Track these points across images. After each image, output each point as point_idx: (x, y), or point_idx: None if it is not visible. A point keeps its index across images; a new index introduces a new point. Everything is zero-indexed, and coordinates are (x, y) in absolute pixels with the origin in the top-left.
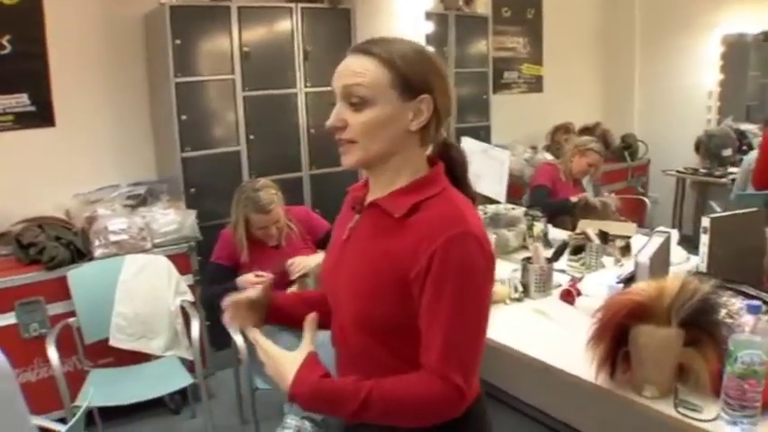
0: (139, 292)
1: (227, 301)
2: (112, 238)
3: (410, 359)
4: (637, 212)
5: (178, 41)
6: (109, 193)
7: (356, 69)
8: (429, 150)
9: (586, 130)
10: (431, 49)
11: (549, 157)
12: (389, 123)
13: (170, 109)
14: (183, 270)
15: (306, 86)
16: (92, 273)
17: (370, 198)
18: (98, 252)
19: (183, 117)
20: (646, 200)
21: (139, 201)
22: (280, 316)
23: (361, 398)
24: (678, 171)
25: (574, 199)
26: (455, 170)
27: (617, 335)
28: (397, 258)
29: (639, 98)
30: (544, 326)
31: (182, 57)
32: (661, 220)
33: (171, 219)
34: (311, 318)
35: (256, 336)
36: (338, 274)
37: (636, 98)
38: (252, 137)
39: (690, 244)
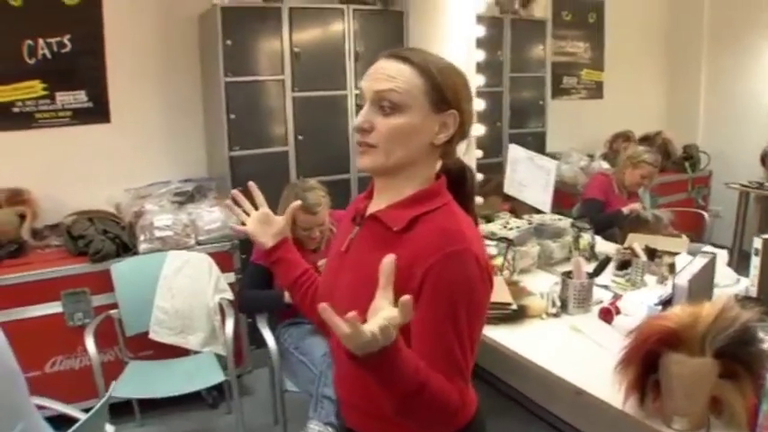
0: (180, 288)
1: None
2: (157, 233)
3: None
4: (695, 227)
5: (229, 42)
6: (159, 188)
7: (391, 74)
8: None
9: (647, 139)
10: (480, 55)
11: (605, 165)
12: (416, 133)
13: (220, 108)
14: (224, 268)
15: (356, 88)
16: (135, 267)
17: (371, 209)
18: (142, 247)
19: (233, 116)
20: (704, 214)
21: (187, 197)
22: (286, 258)
23: (420, 380)
24: (742, 184)
25: (625, 210)
26: (465, 189)
27: (647, 361)
28: (399, 272)
29: (704, 106)
30: (579, 344)
31: (232, 57)
32: (722, 236)
33: (216, 216)
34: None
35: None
36: (335, 285)
37: (701, 106)
38: (300, 137)
39: (749, 262)
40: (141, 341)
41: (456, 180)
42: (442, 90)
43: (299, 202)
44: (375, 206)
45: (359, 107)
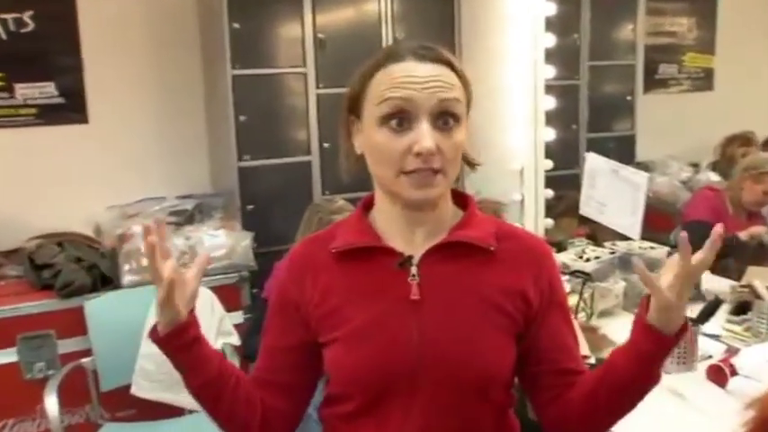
0: None
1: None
2: (146, 262)
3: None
4: None
5: (236, 25)
6: (150, 206)
7: (448, 81)
8: None
9: None
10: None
11: (715, 178)
12: (463, 147)
13: (226, 108)
14: (230, 306)
15: None
16: (116, 304)
17: (409, 243)
18: (127, 279)
19: (242, 118)
20: None
21: (186, 217)
22: (204, 339)
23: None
24: None
25: (743, 236)
26: None
27: None
28: (520, 293)
29: None
30: (679, 412)
31: (241, 45)
32: None
33: (221, 242)
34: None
35: None
36: (424, 343)
37: None
38: (326, 145)
39: None
40: (120, 398)
41: None
42: (470, 97)
43: (205, 255)
44: (409, 240)
45: (385, 119)
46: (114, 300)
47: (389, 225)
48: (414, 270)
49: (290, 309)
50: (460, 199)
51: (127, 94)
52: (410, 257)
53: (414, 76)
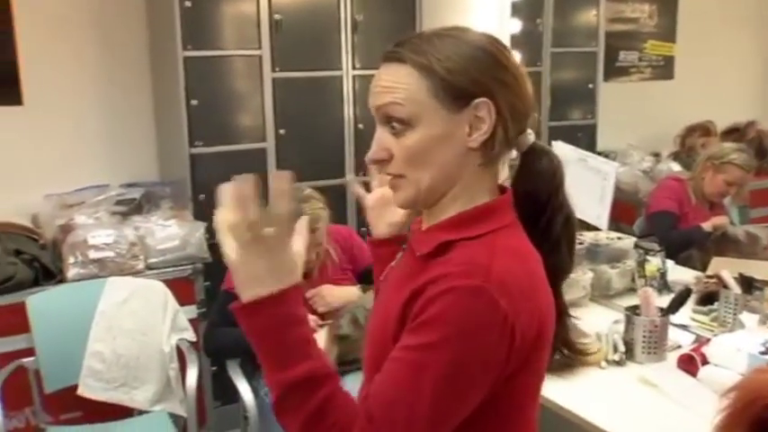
0: (124, 327)
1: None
2: (93, 254)
3: None
4: None
5: (188, 3)
6: (93, 195)
7: (386, 83)
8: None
9: (734, 133)
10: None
11: (676, 168)
12: (440, 145)
13: (177, 91)
14: (183, 300)
15: (354, 68)
16: (60, 299)
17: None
18: (72, 272)
19: (194, 102)
20: None
21: (133, 207)
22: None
23: (314, 371)
24: None
25: (707, 226)
26: (539, 194)
27: (755, 430)
28: (399, 308)
29: None
30: (652, 402)
31: (193, 24)
32: None
33: (173, 232)
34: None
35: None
36: (370, 325)
37: None
38: (282, 131)
39: None
40: (66, 399)
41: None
42: (454, 80)
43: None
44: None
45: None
46: (58, 294)
47: None
48: (399, 255)
49: None
50: (502, 192)
51: (66, 73)
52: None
53: (372, 83)
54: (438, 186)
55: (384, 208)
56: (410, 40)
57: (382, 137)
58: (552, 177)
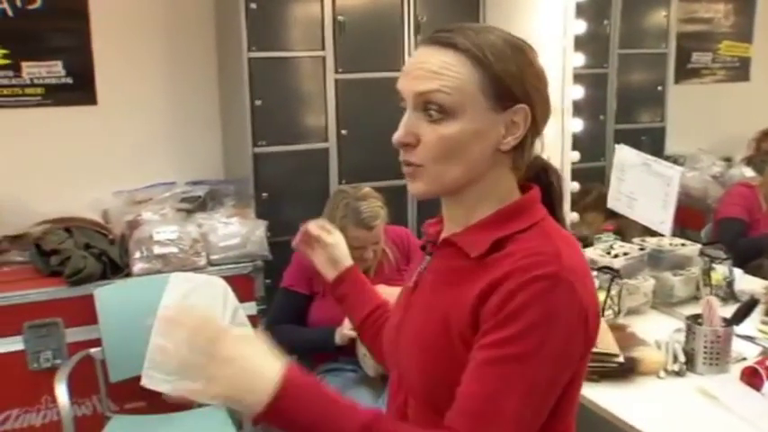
0: None
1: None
2: (158, 250)
3: None
4: None
5: (254, 5)
6: (160, 192)
7: (434, 68)
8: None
9: None
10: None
11: (749, 173)
12: (475, 142)
13: (242, 91)
14: (244, 296)
15: None
16: (126, 292)
17: (444, 235)
18: (137, 267)
19: (258, 102)
20: None
21: (197, 204)
22: (353, 294)
23: (363, 421)
24: None
25: None
26: (550, 199)
27: None
28: (467, 308)
29: None
30: (712, 415)
31: (258, 25)
32: None
33: (235, 230)
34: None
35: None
36: (401, 329)
37: None
38: (345, 132)
39: None
40: (130, 390)
41: (541, 191)
42: (505, 80)
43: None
44: (448, 232)
45: (401, 109)
46: (124, 288)
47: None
48: (426, 259)
49: None
50: (524, 190)
51: (137, 74)
52: (432, 245)
53: (409, 65)
54: (461, 182)
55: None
56: (463, 30)
57: (413, 121)
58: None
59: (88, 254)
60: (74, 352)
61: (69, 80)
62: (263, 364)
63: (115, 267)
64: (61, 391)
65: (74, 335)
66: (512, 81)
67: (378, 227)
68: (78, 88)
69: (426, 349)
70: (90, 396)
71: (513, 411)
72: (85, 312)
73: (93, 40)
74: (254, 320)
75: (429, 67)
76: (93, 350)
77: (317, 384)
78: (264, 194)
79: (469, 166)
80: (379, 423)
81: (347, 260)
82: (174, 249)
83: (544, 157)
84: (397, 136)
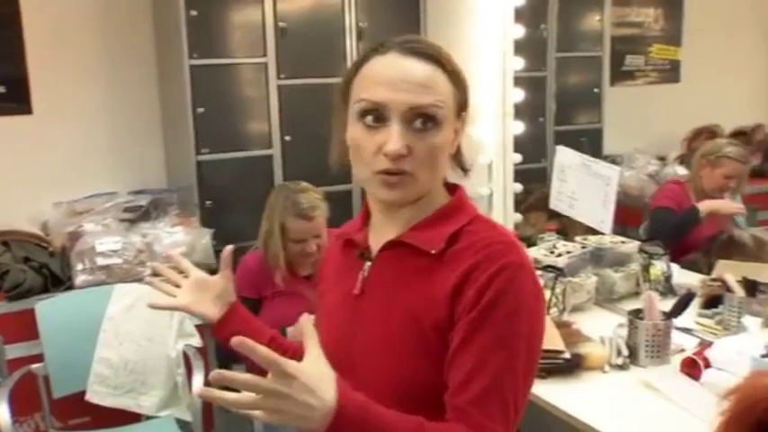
0: (131, 333)
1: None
2: (101, 261)
3: None
4: None
5: (194, 12)
6: (101, 202)
7: (421, 80)
8: None
9: (741, 135)
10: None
11: (682, 172)
12: (446, 149)
13: (183, 99)
14: None
15: None
16: (69, 306)
17: (380, 238)
18: (80, 279)
19: (200, 110)
20: None
21: (140, 214)
22: (243, 331)
23: (414, 426)
24: None
25: (702, 208)
26: None
27: None
28: (442, 301)
29: None
30: (655, 406)
31: (199, 32)
32: None
33: (179, 239)
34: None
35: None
36: (355, 340)
37: None
38: (288, 138)
39: None
40: (74, 405)
41: None
42: (467, 93)
43: (230, 248)
44: (382, 235)
45: (362, 115)
46: (67, 301)
47: (375, 216)
48: (367, 265)
49: None
50: (450, 190)
51: (74, 82)
52: (368, 250)
53: (390, 75)
54: (429, 186)
55: (199, 293)
56: (437, 49)
57: (404, 132)
58: None
59: (27, 267)
60: (14, 369)
61: (2, 89)
62: (320, 384)
63: (56, 280)
64: (2, 410)
65: (14, 351)
66: (468, 96)
67: (317, 218)
68: (12, 97)
69: (393, 347)
70: (32, 414)
71: (514, 390)
72: (26, 327)
73: (28, 47)
74: (200, 329)
75: (416, 80)
76: (34, 366)
77: (366, 400)
78: (209, 202)
79: (441, 171)
80: (426, 427)
81: (229, 297)
82: (117, 260)
83: (487, 159)
84: (397, 148)
